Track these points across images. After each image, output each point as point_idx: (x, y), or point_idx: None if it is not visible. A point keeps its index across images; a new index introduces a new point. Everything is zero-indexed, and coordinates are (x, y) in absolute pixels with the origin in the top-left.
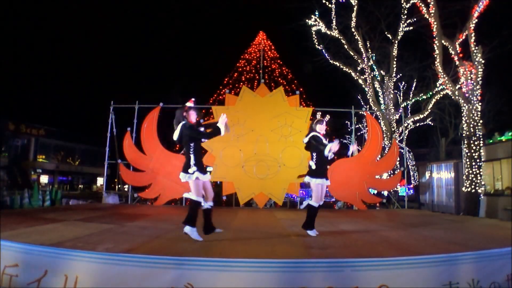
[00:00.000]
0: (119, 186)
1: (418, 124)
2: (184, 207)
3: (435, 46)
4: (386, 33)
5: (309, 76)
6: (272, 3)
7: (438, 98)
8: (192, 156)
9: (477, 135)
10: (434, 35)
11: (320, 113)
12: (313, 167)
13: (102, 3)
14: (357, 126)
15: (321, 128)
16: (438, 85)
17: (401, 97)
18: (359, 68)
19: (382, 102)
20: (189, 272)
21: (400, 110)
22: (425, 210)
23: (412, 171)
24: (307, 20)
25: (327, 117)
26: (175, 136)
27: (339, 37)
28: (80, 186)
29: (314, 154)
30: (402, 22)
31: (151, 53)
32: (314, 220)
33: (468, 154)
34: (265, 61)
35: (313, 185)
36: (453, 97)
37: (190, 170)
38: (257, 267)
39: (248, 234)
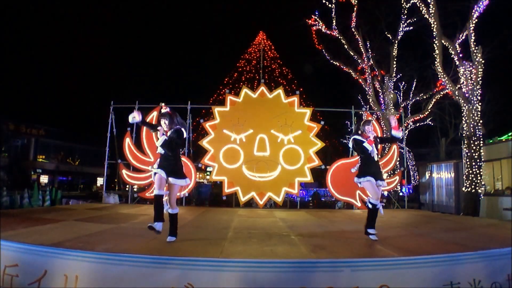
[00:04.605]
0: (121, 186)
1: (418, 124)
2: (183, 206)
3: (435, 46)
4: (386, 33)
5: (309, 76)
6: (272, 3)
7: (438, 98)
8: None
9: (477, 135)
10: (434, 35)
11: (365, 113)
12: (355, 168)
13: (102, 3)
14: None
15: (368, 130)
16: (438, 85)
17: (401, 97)
18: (359, 68)
19: (382, 102)
20: (189, 272)
21: (400, 110)
22: (425, 210)
23: (412, 171)
24: (307, 20)
25: (374, 117)
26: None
27: (339, 37)
28: (80, 186)
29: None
30: (402, 22)
31: (151, 53)
32: (375, 220)
33: (468, 154)
34: (265, 61)
35: (363, 184)
36: (453, 97)
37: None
38: (257, 267)
39: (248, 234)
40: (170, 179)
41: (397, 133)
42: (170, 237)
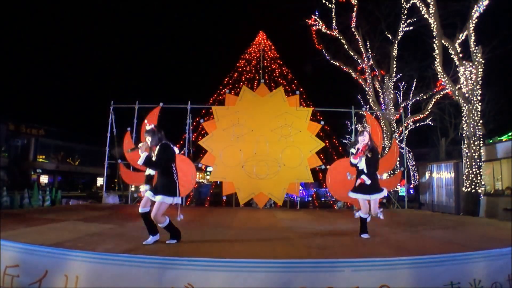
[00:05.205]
0: (122, 186)
1: (418, 124)
2: (184, 206)
3: (435, 46)
4: (386, 33)
5: (309, 76)
6: (272, 3)
7: (438, 98)
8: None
9: (477, 135)
10: (434, 35)
11: (365, 113)
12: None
13: (102, 3)
14: (357, 126)
15: (361, 140)
16: (438, 85)
17: (401, 97)
18: (359, 68)
19: (382, 102)
20: (189, 272)
21: (400, 110)
22: (425, 210)
23: (412, 171)
24: (307, 20)
25: (368, 128)
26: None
27: (339, 37)
28: (80, 186)
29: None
30: (402, 22)
31: (151, 53)
32: (366, 226)
33: (468, 154)
34: (265, 61)
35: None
36: (453, 97)
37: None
38: (257, 267)
39: (248, 234)
40: (157, 196)
41: (354, 161)
42: (171, 240)
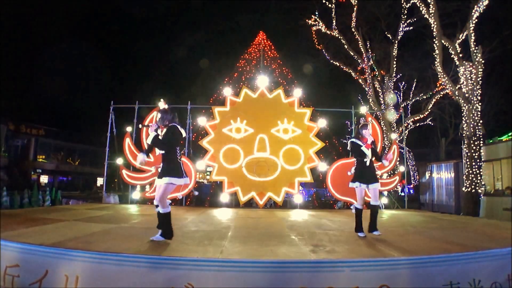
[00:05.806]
0: (121, 186)
1: (418, 124)
2: (184, 207)
3: (435, 46)
4: (386, 33)
5: (309, 76)
6: (272, 3)
7: (438, 98)
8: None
9: (477, 135)
10: (434, 35)
11: (363, 118)
12: (352, 171)
13: (102, 4)
14: (361, 119)
15: (365, 133)
16: (438, 85)
17: (401, 97)
18: (359, 68)
19: (382, 102)
20: (189, 272)
21: (401, 110)
22: (425, 210)
23: (412, 171)
24: (307, 20)
25: (370, 120)
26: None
27: (339, 37)
28: (80, 186)
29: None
30: (402, 22)
31: (151, 53)
32: (361, 222)
33: (468, 154)
34: (265, 61)
35: (355, 189)
36: (453, 97)
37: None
38: (257, 267)
39: (248, 234)
40: (164, 178)
41: (385, 162)
42: (159, 236)
